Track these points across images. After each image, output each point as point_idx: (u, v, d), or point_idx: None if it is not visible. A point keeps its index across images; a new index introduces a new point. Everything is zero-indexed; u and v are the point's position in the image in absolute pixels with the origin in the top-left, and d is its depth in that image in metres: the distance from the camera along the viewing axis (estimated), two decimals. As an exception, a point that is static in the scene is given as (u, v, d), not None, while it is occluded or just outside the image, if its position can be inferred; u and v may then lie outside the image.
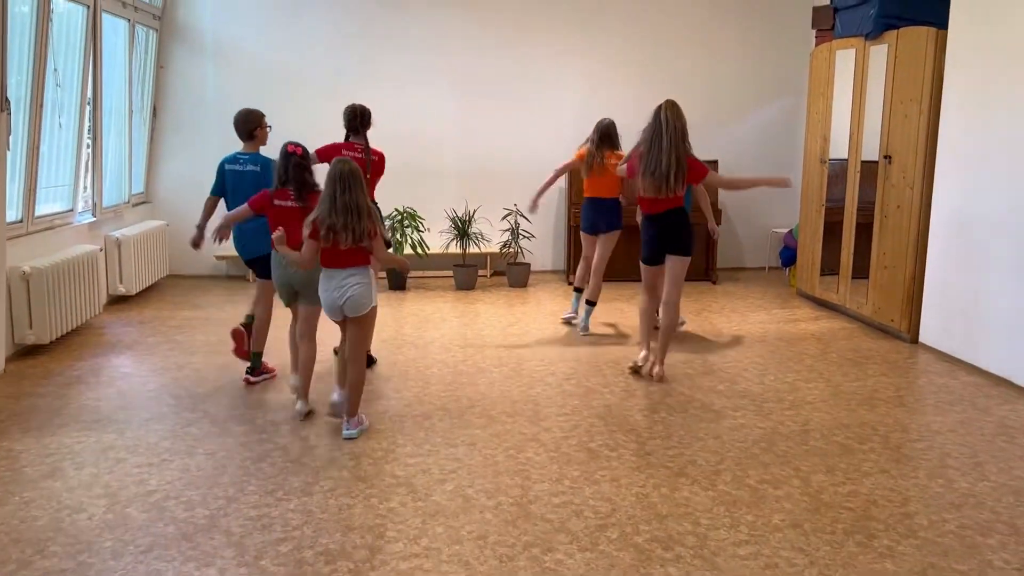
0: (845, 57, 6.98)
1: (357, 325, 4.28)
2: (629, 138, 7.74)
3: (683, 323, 6.55)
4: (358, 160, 4.97)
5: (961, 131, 5.67)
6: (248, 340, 5.22)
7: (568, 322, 6.76)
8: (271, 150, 4.96)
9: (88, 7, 6.57)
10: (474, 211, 8.35)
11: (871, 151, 6.64)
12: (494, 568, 3.05)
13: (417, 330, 6.55)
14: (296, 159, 4.50)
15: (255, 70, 8.38)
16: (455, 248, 8.32)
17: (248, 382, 5.16)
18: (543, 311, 7.24)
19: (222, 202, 5.27)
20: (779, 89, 9.00)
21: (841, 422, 4.55)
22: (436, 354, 5.86)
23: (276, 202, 4.56)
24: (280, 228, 4.22)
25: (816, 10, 7.60)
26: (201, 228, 5.23)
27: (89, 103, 6.85)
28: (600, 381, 5.25)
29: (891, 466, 3.97)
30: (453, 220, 8.24)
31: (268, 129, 5.25)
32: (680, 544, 3.21)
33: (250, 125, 5.13)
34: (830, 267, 7.31)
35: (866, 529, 3.34)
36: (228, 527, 3.34)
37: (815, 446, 4.21)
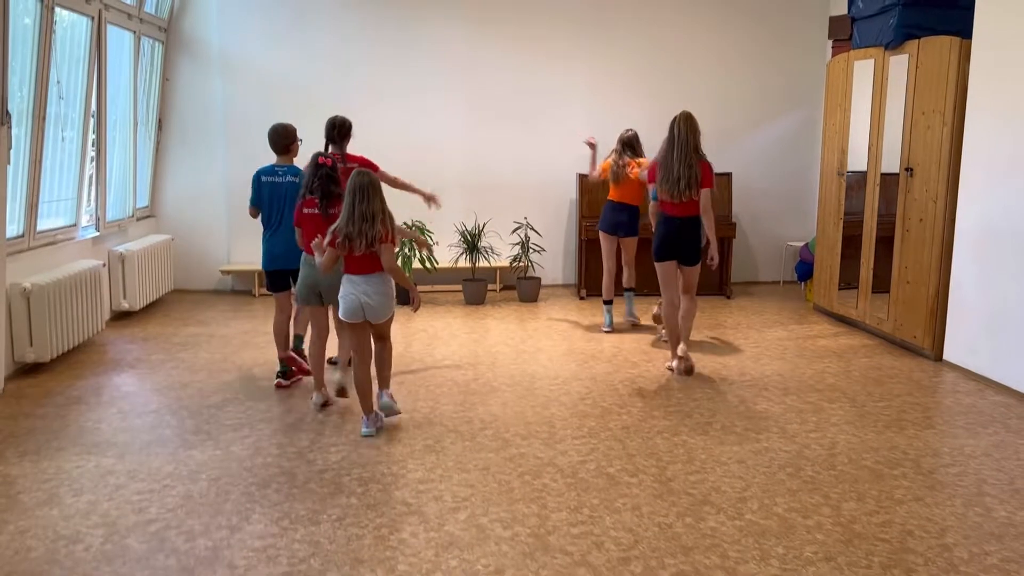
0: (863, 68, 6.82)
1: (378, 328, 4.55)
2: (650, 150, 7.67)
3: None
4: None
5: (987, 142, 5.51)
6: (304, 358, 5.45)
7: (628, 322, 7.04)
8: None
9: (92, 18, 6.46)
10: (483, 225, 8.21)
11: (890, 163, 6.48)
12: (512, 606, 2.88)
13: (427, 347, 6.39)
14: (325, 170, 4.80)
15: (262, 83, 8.27)
16: (464, 262, 8.17)
17: (280, 386, 5.32)
18: (555, 327, 7.07)
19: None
20: (795, 101, 8.85)
21: (869, 445, 4.37)
22: (446, 372, 5.70)
23: (305, 210, 4.88)
24: (319, 235, 4.51)
25: (833, 20, 7.46)
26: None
27: (93, 116, 6.73)
28: (616, 401, 5.08)
29: (925, 493, 3.79)
30: (462, 234, 8.10)
31: (299, 143, 5.51)
32: (708, 579, 3.04)
33: (288, 140, 5.36)
34: (846, 281, 7.13)
35: (903, 563, 3.17)
36: (231, 559, 3.18)
37: (844, 471, 4.03)
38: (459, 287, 8.20)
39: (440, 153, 8.52)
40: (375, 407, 4.61)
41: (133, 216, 7.73)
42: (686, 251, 5.61)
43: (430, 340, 6.62)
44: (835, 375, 5.66)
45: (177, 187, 8.41)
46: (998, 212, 5.41)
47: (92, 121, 6.73)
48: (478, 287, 7.98)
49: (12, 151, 5.64)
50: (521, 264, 8.22)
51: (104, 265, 6.66)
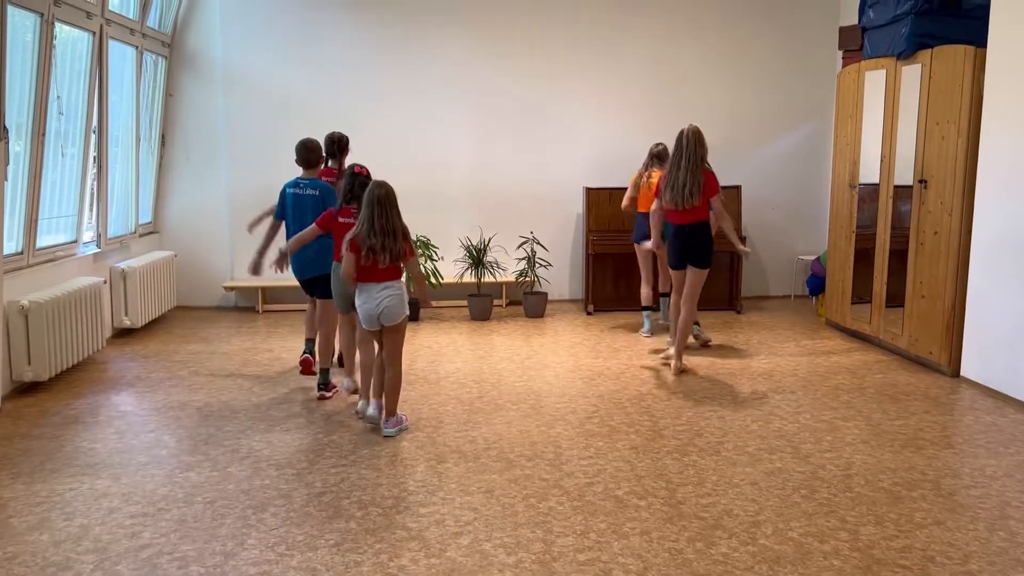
0: (875, 78, 6.71)
1: (393, 332, 4.67)
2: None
3: (709, 341, 6.53)
4: (332, 183, 5.59)
5: (1004, 153, 5.38)
6: (314, 364, 5.58)
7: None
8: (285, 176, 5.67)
9: (94, 34, 6.41)
10: (489, 239, 8.10)
11: (902, 175, 6.35)
12: (515, 638, 2.75)
13: (431, 364, 6.28)
14: (361, 179, 4.91)
15: (265, 99, 8.21)
16: (469, 277, 8.06)
17: (322, 398, 5.37)
18: (561, 343, 6.95)
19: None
20: (805, 112, 8.73)
21: (886, 465, 4.23)
22: (450, 390, 5.58)
23: (340, 219, 4.95)
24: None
25: (843, 30, 7.35)
26: (261, 254, 5.53)
27: (94, 132, 6.67)
28: (624, 420, 4.95)
29: (946, 516, 3.65)
30: (467, 249, 7.99)
31: (323, 159, 5.78)
32: (721, 609, 2.91)
33: (315, 155, 5.58)
34: (859, 295, 6.99)
35: (926, 591, 3.03)
36: (224, 588, 3.06)
37: (860, 493, 3.89)
38: (464, 303, 8.09)
39: (446, 168, 8.43)
40: (383, 427, 4.72)
41: (135, 232, 7.66)
42: (695, 255, 5.92)
43: (434, 356, 6.50)
44: (849, 392, 5.52)
45: (180, 203, 8.34)
46: (1016, 224, 5.27)
47: (93, 137, 6.66)
48: (483, 303, 7.87)
49: (12, 167, 5.58)
50: (527, 279, 8.11)
51: (105, 282, 6.57)
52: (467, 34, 8.37)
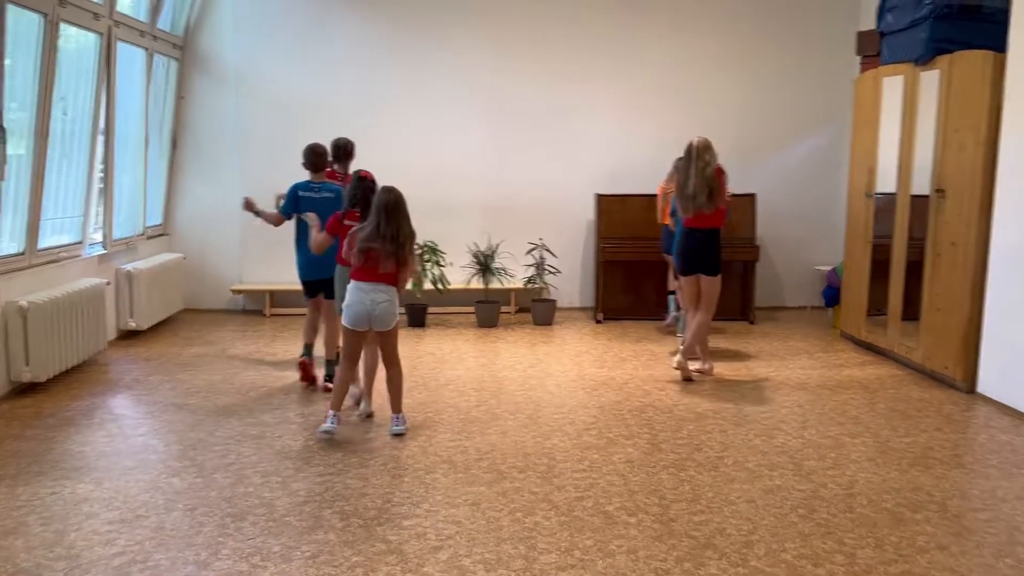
0: (892, 84, 6.53)
1: (386, 336, 4.67)
2: (661, 172, 7.45)
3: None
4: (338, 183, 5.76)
5: (1023, 162, 5.19)
6: (312, 368, 5.70)
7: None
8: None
9: (102, 35, 6.41)
10: (497, 245, 8.00)
11: (921, 184, 6.17)
12: (484, 661, 2.63)
13: (432, 371, 6.18)
14: (367, 183, 4.99)
15: (277, 102, 8.18)
16: (477, 283, 7.96)
17: (327, 389, 5.46)
18: (567, 351, 6.83)
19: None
20: (821, 119, 8.54)
21: (891, 485, 4.06)
22: (448, 398, 5.48)
23: (346, 222, 4.99)
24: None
25: (861, 35, 7.18)
26: (255, 208, 5.71)
27: (102, 133, 6.66)
28: (623, 432, 4.82)
29: (950, 540, 3.48)
30: (475, 255, 7.90)
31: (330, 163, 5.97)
32: (703, 635, 2.77)
33: (323, 159, 5.70)
34: (876, 307, 6.79)
35: (923, 621, 2.87)
36: (191, 600, 2.98)
37: (861, 514, 3.73)
38: (471, 309, 7.99)
39: (456, 172, 8.35)
40: (392, 425, 4.77)
41: (143, 234, 7.65)
42: (707, 262, 5.89)
43: (437, 363, 6.41)
44: (859, 407, 5.34)
45: (191, 205, 8.33)
46: (1035, 236, 5.08)
47: (100, 138, 6.65)
48: (490, 309, 7.77)
49: (15, 168, 5.58)
50: (535, 286, 7.99)
51: (108, 283, 6.55)
52: (480, 38, 8.29)
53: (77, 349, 5.93)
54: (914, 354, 6.22)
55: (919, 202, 6.21)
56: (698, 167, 5.76)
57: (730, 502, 3.85)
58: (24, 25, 5.52)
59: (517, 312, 8.37)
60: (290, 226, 5.76)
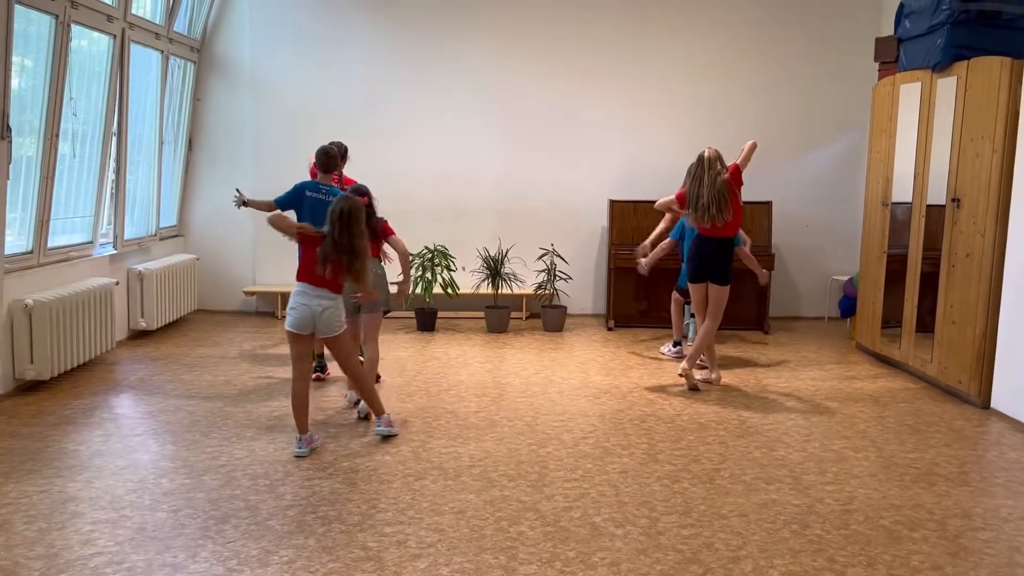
0: (910, 91, 6.39)
1: (333, 344, 4.54)
2: (678, 178, 7.30)
3: (718, 378, 6.06)
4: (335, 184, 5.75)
5: (1039, 171, 5.05)
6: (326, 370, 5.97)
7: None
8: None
9: (115, 37, 6.47)
10: (507, 251, 7.95)
11: (937, 193, 6.02)
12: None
13: (435, 375, 6.14)
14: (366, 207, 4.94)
15: (292, 104, 8.21)
16: (487, 289, 7.92)
17: (318, 378, 5.82)
18: (574, 358, 6.75)
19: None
20: (839, 126, 8.39)
21: (891, 502, 3.94)
22: (447, 403, 5.43)
23: None
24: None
25: (879, 42, 7.03)
26: (244, 198, 5.86)
27: (114, 134, 6.72)
28: (620, 441, 4.74)
29: (946, 561, 3.36)
30: (485, 260, 7.85)
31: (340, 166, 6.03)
32: (677, 653, 2.69)
33: (334, 162, 5.71)
34: (896, 319, 6.62)
35: (908, 645, 2.76)
36: (162, 603, 2.95)
37: (856, 531, 3.62)
38: (482, 314, 7.94)
39: (467, 176, 8.33)
40: (375, 426, 4.76)
41: (156, 235, 7.70)
42: (717, 270, 5.84)
43: (441, 368, 6.37)
44: (867, 421, 5.21)
45: (205, 207, 8.38)
46: (1051, 248, 4.93)
47: (113, 139, 6.71)
48: (500, 315, 7.72)
49: (24, 168, 5.64)
50: (545, 292, 7.93)
51: (117, 283, 6.59)
52: (492, 42, 8.25)
53: (84, 348, 5.98)
54: (928, 367, 6.06)
55: (936, 212, 6.06)
56: (710, 177, 5.71)
57: (721, 516, 3.75)
58: (36, 26, 5.59)
59: (528, 318, 8.31)
60: None
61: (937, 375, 5.95)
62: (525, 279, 8.04)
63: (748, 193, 6.38)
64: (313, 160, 5.73)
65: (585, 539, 3.50)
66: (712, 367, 6.07)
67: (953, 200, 5.77)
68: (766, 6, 8.30)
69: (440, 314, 7.90)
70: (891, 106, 6.66)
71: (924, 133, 6.19)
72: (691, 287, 6.02)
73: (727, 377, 6.15)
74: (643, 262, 6.56)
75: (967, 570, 3.29)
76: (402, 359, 6.63)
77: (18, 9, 5.14)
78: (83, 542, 3.40)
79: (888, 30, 7.59)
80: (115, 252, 6.89)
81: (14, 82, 5.32)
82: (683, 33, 8.30)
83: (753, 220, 7.79)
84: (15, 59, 5.31)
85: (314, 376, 5.74)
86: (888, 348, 6.66)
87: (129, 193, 7.13)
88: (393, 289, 5.35)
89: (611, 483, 4.12)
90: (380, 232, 5.14)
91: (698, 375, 5.96)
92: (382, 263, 5.31)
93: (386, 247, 5.29)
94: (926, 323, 6.16)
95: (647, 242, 6.76)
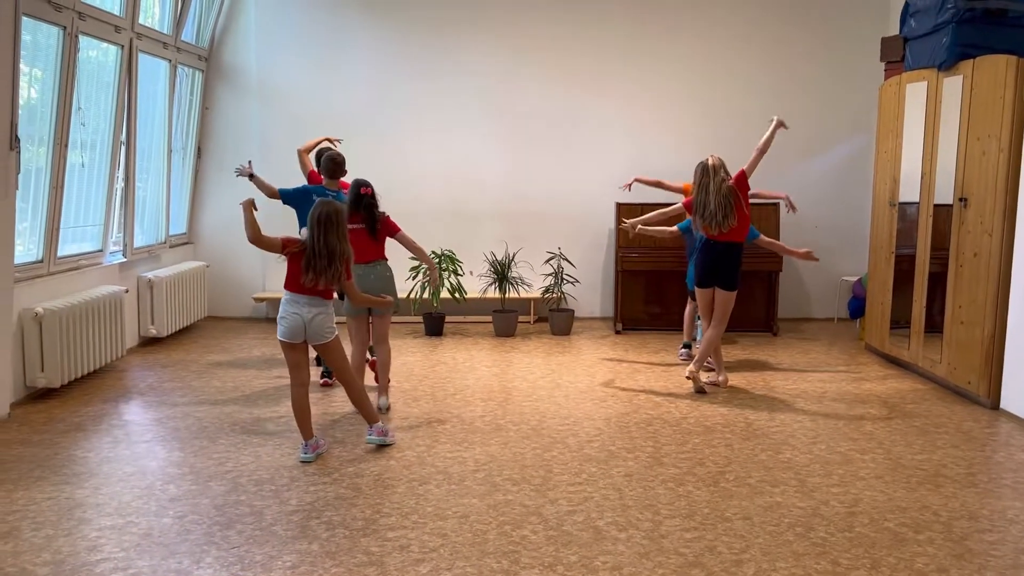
0: (916, 91, 6.36)
1: (326, 352, 4.54)
2: (683, 180, 7.26)
3: (725, 380, 6.04)
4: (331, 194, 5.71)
5: (1046, 170, 5.01)
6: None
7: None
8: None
9: (123, 47, 6.53)
10: (514, 254, 7.97)
11: (945, 193, 5.98)
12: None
13: (442, 380, 6.16)
14: (368, 198, 5.21)
15: (299, 111, 8.25)
16: (494, 293, 7.93)
17: (326, 384, 5.90)
18: (581, 362, 6.75)
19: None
20: (847, 127, 8.37)
21: (897, 504, 3.92)
22: (454, 407, 5.45)
23: (349, 225, 4.85)
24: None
25: (885, 41, 7.00)
26: (250, 171, 5.85)
27: (123, 143, 6.78)
28: (626, 445, 4.73)
29: (951, 563, 3.34)
30: (492, 264, 7.87)
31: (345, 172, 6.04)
32: (677, 657, 2.69)
33: (341, 168, 5.83)
34: (905, 319, 6.58)
35: (911, 648, 2.75)
36: (166, 608, 2.98)
37: (861, 533, 3.60)
38: (489, 318, 7.96)
39: (474, 180, 8.35)
40: (367, 434, 4.68)
41: (166, 243, 7.76)
42: (724, 275, 5.81)
43: (448, 372, 6.39)
44: (874, 423, 5.18)
45: (214, 214, 8.44)
46: (1059, 246, 4.89)
47: (122, 148, 6.77)
48: (508, 319, 7.73)
49: (34, 177, 5.70)
50: (553, 296, 7.94)
51: (127, 291, 6.65)
52: (498, 46, 8.28)
53: (94, 355, 6.03)
54: (937, 368, 6.03)
55: (943, 211, 6.03)
56: (716, 184, 5.72)
57: (725, 519, 3.74)
58: (44, 36, 5.66)
59: (536, 322, 8.31)
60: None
61: (946, 376, 5.92)
62: (532, 283, 8.05)
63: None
64: (311, 162, 6.06)
65: (588, 543, 3.50)
66: (719, 369, 6.05)
67: (960, 199, 5.74)
68: (772, 7, 8.29)
69: (448, 318, 7.93)
70: (897, 106, 6.63)
71: (931, 132, 6.16)
72: (698, 291, 6.01)
73: (734, 379, 6.14)
74: (629, 223, 6.19)
75: (972, 572, 3.27)
76: (409, 364, 6.65)
77: (26, 21, 5.20)
78: (89, 548, 3.44)
79: (894, 29, 7.56)
80: (125, 260, 6.95)
81: (25, 93, 5.38)
82: (687, 35, 8.30)
83: (762, 221, 7.75)
84: (25, 70, 5.38)
85: (322, 381, 5.86)
86: (897, 349, 6.63)
87: (139, 201, 7.19)
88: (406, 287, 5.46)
89: (615, 487, 4.12)
90: (383, 227, 5.24)
91: (705, 377, 5.95)
92: (388, 263, 5.38)
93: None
94: (936, 323, 6.13)
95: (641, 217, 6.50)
